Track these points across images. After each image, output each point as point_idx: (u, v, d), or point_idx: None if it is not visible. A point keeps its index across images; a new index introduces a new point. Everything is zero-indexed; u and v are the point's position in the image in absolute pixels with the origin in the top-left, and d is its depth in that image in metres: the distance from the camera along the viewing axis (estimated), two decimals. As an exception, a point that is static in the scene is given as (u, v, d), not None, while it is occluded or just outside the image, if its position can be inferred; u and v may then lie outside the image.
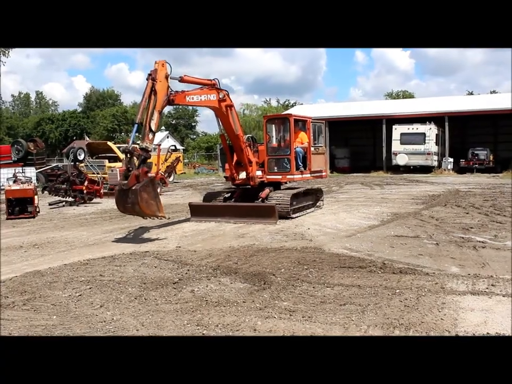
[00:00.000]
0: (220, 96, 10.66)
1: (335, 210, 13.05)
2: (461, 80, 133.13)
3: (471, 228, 9.67)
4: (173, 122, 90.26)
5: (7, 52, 38.86)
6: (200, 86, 10.60)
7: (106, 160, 22.96)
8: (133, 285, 6.02)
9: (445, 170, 32.60)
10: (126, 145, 10.44)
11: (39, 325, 4.65)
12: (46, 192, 17.22)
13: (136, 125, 9.35)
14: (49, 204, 16.07)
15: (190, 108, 79.67)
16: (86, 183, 16.57)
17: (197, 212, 11.83)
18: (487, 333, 4.19)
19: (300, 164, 12.23)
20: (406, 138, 32.69)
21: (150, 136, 9.01)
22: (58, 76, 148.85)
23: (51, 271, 6.84)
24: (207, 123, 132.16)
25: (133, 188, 8.56)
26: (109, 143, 26.53)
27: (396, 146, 33.17)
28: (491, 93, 65.96)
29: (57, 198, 16.39)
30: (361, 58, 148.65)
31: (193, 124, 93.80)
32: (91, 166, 21.54)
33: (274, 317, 4.73)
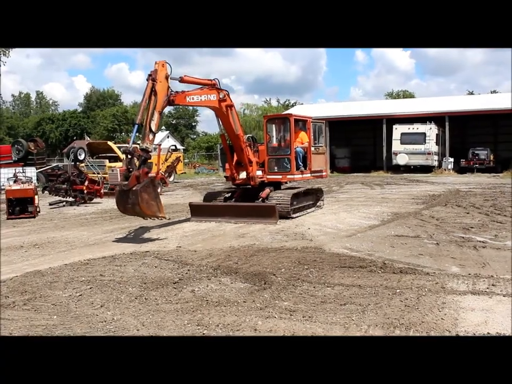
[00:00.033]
0: (220, 96, 10.66)
1: (336, 210, 13.05)
2: (461, 80, 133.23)
3: (472, 227, 9.67)
4: (173, 122, 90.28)
5: (7, 51, 38.90)
6: (200, 86, 10.60)
7: (107, 160, 22.96)
8: (134, 284, 6.02)
9: (445, 170, 32.60)
10: (127, 145, 10.45)
11: (39, 325, 4.65)
12: (46, 192, 17.23)
13: (136, 126, 9.35)
14: (50, 204, 16.07)
15: (190, 108, 79.67)
16: (86, 183, 16.57)
17: (197, 211, 11.83)
18: (488, 333, 4.18)
19: (300, 163, 12.23)
20: (406, 138, 32.70)
21: (150, 136, 9.01)
22: (59, 76, 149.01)
23: (51, 271, 6.84)
24: (207, 123, 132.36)
25: (134, 188, 8.56)
26: (109, 143, 26.53)
27: (396, 146, 33.18)
28: (491, 92, 65.98)
29: (57, 198, 16.40)
30: (361, 58, 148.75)
31: (193, 124, 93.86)
32: (91, 166, 21.54)
33: (275, 317, 4.73)
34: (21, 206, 13.25)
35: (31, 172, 21.99)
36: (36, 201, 13.40)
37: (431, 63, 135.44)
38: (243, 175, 11.94)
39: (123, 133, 73.53)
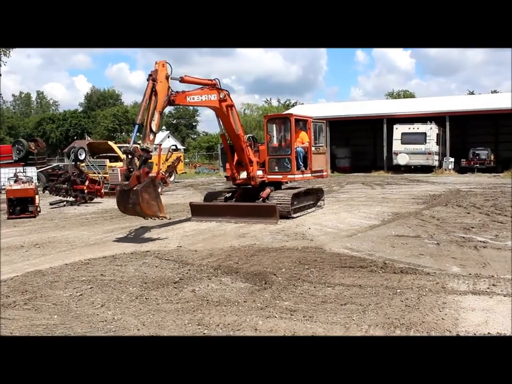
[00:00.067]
0: (221, 96, 10.66)
1: (336, 210, 13.04)
2: (461, 79, 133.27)
3: (472, 227, 9.67)
4: (173, 122, 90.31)
5: (8, 51, 38.93)
6: (201, 86, 10.60)
7: (107, 160, 22.96)
8: (134, 284, 6.02)
9: (445, 170, 32.60)
10: (127, 145, 10.46)
11: (40, 325, 4.66)
12: (47, 191, 17.24)
13: (137, 126, 9.35)
14: (50, 204, 16.08)
15: (191, 108, 79.71)
16: (87, 182, 16.59)
17: (197, 211, 11.83)
18: (488, 333, 4.18)
19: (301, 163, 12.23)
20: (406, 138, 32.70)
21: (151, 136, 9.02)
22: (59, 76, 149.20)
23: (52, 271, 6.84)
24: (207, 123, 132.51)
25: (134, 188, 8.57)
26: (109, 142, 26.53)
27: (396, 146, 33.18)
28: (492, 92, 65.98)
29: (58, 198, 16.41)
30: (362, 58, 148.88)
31: (194, 124, 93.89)
32: (92, 165, 21.53)
33: (275, 317, 4.73)
34: (21, 206, 13.26)
35: (32, 171, 22.01)
36: (37, 201, 13.41)
37: (431, 63, 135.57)
38: (244, 175, 11.94)
39: (123, 133, 73.57)
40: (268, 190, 11.68)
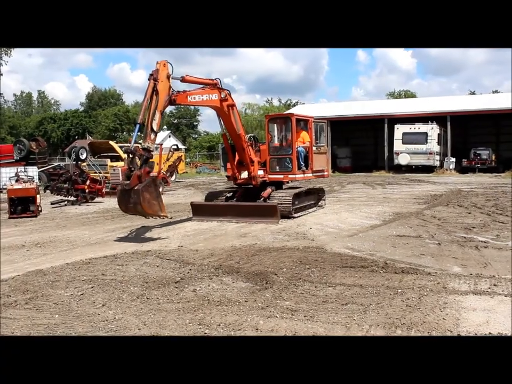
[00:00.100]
0: (222, 96, 10.66)
1: (337, 210, 13.04)
2: (463, 79, 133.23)
3: (473, 227, 9.66)
4: (174, 121, 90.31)
5: (9, 51, 38.97)
6: (202, 85, 10.60)
7: (108, 160, 22.97)
8: (135, 284, 6.02)
9: (447, 170, 32.60)
10: (128, 144, 10.46)
11: (41, 324, 4.66)
12: (48, 191, 17.24)
13: (138, 125, 9.35)
14: (51, 203, 16.10)
15: (192, 107, 79.71)
16: (88, 182, 16.60)
17: (198, 211, 11.83)
18: (489, 333, 4.18)
19: (302, 163, 12.22)
20: (408, 138, 32.71)
21: (152, 136, 9.02)
22: (61, 75, 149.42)
23: (53, 270, 6.85)
24: (208, 122, 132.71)
25: (135, 188, 8.57)
26: (111, 142, 26.52)
27: (397, 145, 33.19)
28: (493, 92, 65.93)
29: (59, 197, 16.42)
30: (363, 58, 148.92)
31: (195, 123, 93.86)
32: (93, 165, 21.52)
33: (276, 317, 4.73)
34: (22, 205, 13.26)
35: (33, 171, 22.00)
36: (38, 201, 13.41)
37: (432, 62, 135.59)
38: (245, 174, 11.94)
39: (125, 133, 73.65)
40: (269, 189, 11.68)
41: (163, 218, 9.54)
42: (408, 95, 76.82)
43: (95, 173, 19.33)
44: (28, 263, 7.49)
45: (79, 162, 18.55)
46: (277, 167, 12.21)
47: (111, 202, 15.58)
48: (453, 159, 33.30)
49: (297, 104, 68.93)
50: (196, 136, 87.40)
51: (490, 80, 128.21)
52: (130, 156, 9.01)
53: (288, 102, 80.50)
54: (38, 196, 13.42)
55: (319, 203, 13.39)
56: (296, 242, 8.46)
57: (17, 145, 25.62)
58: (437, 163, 32.91)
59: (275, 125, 13.52)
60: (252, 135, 13.03)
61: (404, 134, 32.93)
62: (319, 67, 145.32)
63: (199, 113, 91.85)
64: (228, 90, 10.85)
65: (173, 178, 23.40)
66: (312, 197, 13.06)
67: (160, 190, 9.95)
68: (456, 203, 14.02)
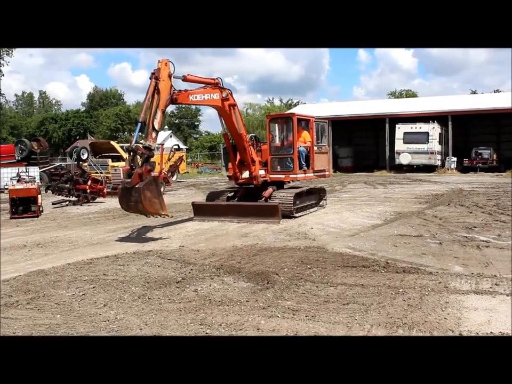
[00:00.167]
0: (223, 95, 10.66)
1: (338, 210, 13.04)
2: (464, 79, 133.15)
3: (475, 227, 9.65)
4: (176, 121, 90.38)
5: (10, 51, 39.00)
6: (203, 85, 10.60)
7: (110, 160, 23.00)
8: (137, 284, 6.03)
9: (448, 169, 32.58)
10: (129, 144, 10.45)
11: (42, 324, 4.66)
12: (49, 191, 17.25)
13: (139, 124, 9.34)
14: (53, 203, 16.11)
15: (193, 107, 79.87)
16: (89, 182, 16.61)
17: (200, 211, 11.83)
18: (491, 332, 4.17)
19: (303, 163, 12.22)
20: (409, 138, 32.69)
21: (153, 134, 9.01)
22: (62, 75, 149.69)
23: (55, 270, 6.85)
24: (210, 122, 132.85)
25: (136, 186, 8.57)
26: (112, 142, 26.55)
27: (399, 145, 33.16)
28: (494, 92, 65.85)
29: (60, 197, 16.43)
30: (364, 58, 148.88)
31: (196, 123, 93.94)
32: (94, 165, 21.58)
33: (278, 316, 4.73)
34: (24, 206, 13.27)
35: (34, 171, 22.03)
36: (39, 201, 13.42)
37: (434, 62, 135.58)
38: (246, 174, 11.94)
39: (126, 133, 73.71)
40: (270, 189, 11.68)
41: (164, 217, 9.54)
42: (410, 94, 76.77)
43: (96, 173, 19.39)
44: (29, 263, 7.49)
45: (81, 163, 18.58)
46: (278, 167, 12.21)
47: (112, 203, 15.58)
48: (454, 159, 33.28)
49: (298, 104, 68.96)
50: (197, 136, 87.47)
51: (491, 79, 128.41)
52: (132, 154, 9.01)
53: (289, 101, 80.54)
54: (39, 196, 13.43)
55: (320, 203, 13.38)
56: (298, 242, 8.46)
57: (19, 145, 25.66)
58: (438, 162, 32.89)
59: (276, 124, 13.53)
60: (253, 134, 13.04)
61: (405, 133, 32.91)
62: (320, 67, 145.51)
63: (200, 113, 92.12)
64: (229, 89, 10.84)
65: (174, 178, 23.43)
66: (313, 197, 13.05)
67: (162, 190, 9.95)
68: (457, 202, 14.00)
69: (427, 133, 32.24)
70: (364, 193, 18.17)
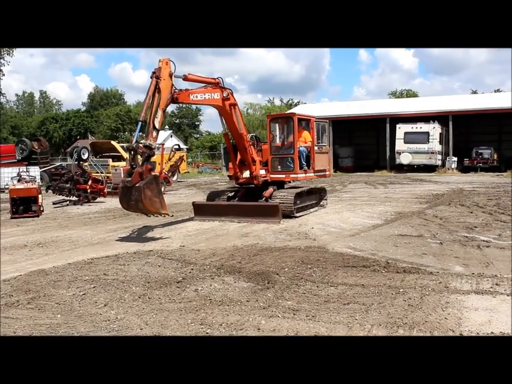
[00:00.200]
0: (224, 95, 10.66)
1: (339, 210, 13.04)
2: (465, 78, 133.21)
3: (475, 227, 9.65)
4: (176, 121, 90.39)
5: (11, 51, 39.03)
6: (204, 84, 10.60)
7: (110, 159, 23.02)
8: (137, 284, 6.03)
9: (448, 169, 32.57)
10: (130, 143, 10.46)
11: (43, 324, 4.67)
12: (50, 191, 17.27)
13: (140, 123, 9.33)
14: (53, 203, 16.11)
15: (194, 106, 79.93)
16: (89, 182, 16.61)
17: (200, 211, 11.83)
18: (491, 332, 4.17)
19: (304, 163, 12.21)
20: (409, 137, 32.68)
21: (154, 134, 9.01)
22: (62, 75, 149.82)
23: (55, 270, 6.85)
24: (210, 122, 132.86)
25: (137, 185, 8.57)
26: (112, 142, 26.58)
27: (399, 145, 33.16)
28: (495, 91, 65.83)
29: (61, 197, 16.44)
30: (364, 57, 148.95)
31: (196, 123, 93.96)
32: (95, 165, 21.58)
33: (278, 316, 4.73)
34: (24, 205, 13.28)
35: (35, 171, 22.03)
36: (40, 201, 13.43)
37: (434, 62, 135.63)
38: (246, 174, 11.94)
39: (126, 133, 73.74)
40: (270, 189, 11.69)
41: (164, 216, 9.54)
42: (410, 94, 76.77)
43: (97, 172, 19.40)
44: (30, 263, 7.50)
45: (81, 162, 18.59)
46: (279, 167, 12.21)
47: (113, 202, 15.59)
48: (455, 158, 33.26)
49: (299, 104, 68.95)
50: (198, 136, 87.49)
51: (492, 79, 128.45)
52: (132, 153, 9.01)
53: (290, 101, 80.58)
54: (40, 196, 13.44)
55: (321, 203, 13.38)
56: (298, 242, 8.46)
57: (19, 145, 25.69)
58: (439, 162, 32.88)
59: (277, 124, 13.53)
60: (254, 134, 13.02)
61: (405, 133, 32.90)
62: (320, 66, 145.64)
63: (200, 113, 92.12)
64: (230, 89, 10.84)
65: (175, 178, 23.45)
66: (314, 197, 13.04)
67: (162, 189, 9.95)
68: (458, 202, 14.00)
69: (428, 133, 32.23)
70: (365, 193, 18.16)
